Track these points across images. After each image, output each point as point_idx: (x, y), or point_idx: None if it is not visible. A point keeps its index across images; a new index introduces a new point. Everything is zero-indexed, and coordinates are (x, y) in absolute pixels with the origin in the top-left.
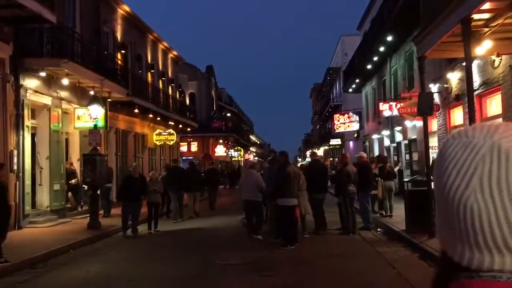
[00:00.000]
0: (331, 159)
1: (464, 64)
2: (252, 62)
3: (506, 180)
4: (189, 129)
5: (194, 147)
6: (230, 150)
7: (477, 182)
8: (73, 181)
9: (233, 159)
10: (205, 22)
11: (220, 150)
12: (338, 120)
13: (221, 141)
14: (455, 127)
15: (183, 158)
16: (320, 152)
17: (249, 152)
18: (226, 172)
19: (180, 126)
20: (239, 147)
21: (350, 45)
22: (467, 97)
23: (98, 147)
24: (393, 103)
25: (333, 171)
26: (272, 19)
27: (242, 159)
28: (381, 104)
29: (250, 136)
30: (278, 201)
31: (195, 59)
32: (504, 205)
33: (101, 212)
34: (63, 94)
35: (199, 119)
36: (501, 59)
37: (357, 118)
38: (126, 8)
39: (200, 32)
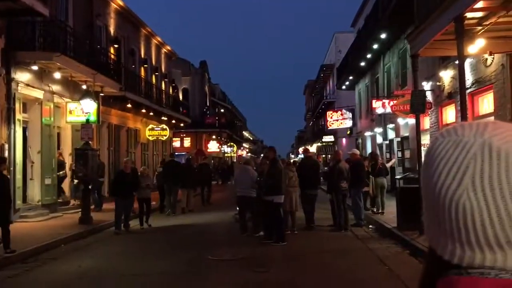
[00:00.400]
0: (323, 155)
1: (457, 62)
2: (249, 59)
3: (498, 178)
4: (182, 125)
5: (187, 142)
6: (223, 146)
7: (469, 181)
8: (60, 173)
9: (226, 155)
10: (202, 18)
11: (213, 146)
12: (331, 117)
13: (214, 137)
14: (447, 125)
15: (176, 153)
16: (313, 148)
17: (242, 148)
18: (219, 170)
19: (173, 121)
20: (232, 143)
21: (344, 42)
22: (460, 95)
23: (90, 142)
24: (386, 101)
25: (326, 168)
26: (271, 17)
27: (235, 155)
28: (374, 101)
29: (243, 132)
30: (274, 198)
31: (191, 55)
32: (496, 203)
33: (93, 206)
34: (55, 88)
35: (192, 115)
36: (493, 58)
37: (350, 115)
38: (120, 2)
39: (197, 28)
